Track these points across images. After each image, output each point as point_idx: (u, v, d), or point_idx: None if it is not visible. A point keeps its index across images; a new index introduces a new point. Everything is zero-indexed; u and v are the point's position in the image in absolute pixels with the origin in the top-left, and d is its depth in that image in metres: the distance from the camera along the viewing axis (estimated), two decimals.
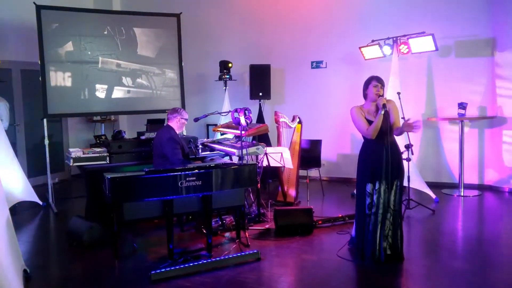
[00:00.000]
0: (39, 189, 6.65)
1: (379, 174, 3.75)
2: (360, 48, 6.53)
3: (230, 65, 7.29)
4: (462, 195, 6.17)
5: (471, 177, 6.58)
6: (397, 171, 3.81)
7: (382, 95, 3.82)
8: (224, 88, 7.44)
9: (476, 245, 4.35)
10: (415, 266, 3.83)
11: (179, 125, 4.79)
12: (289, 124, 5.93)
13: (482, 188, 6.53)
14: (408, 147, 5.37)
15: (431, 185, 6.20)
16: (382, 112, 3.69)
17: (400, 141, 5.69)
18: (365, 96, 3.92)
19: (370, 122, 3.80)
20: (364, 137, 3.91)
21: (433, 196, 5.94)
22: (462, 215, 5.46)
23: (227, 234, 4.74)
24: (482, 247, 4.30)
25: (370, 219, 3.78)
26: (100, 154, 5.32)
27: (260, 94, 7.38)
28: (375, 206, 3.77)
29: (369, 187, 3.79)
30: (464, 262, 3.92)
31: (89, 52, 6.50)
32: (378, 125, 3.73)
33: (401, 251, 3.86)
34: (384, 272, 3.68)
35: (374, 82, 3.82)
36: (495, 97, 6.42)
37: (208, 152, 5.61)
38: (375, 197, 3.76)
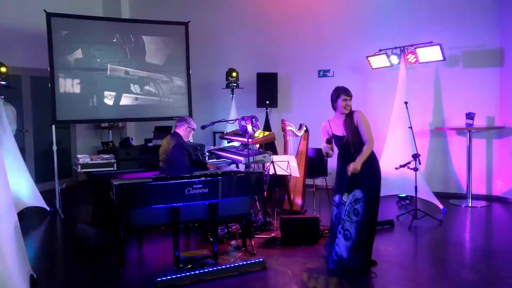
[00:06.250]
0: (47, 194, 6.68)
1: (343, 186, 3.87)
2: (367, 57, 6.54)
3: (234, 74, 7.30)
4: (470, 205, 6.12)
5: (479, 188, 6.53)
6: (357, 181, 3.78)
7: (351, 108, 3.90)
8: (231, 96, 7.45)
9: (483, 256, 4.31)
10: (422, 277, 3.80)
11: (186, 134, 4.81)
12: (296, 133, 5.93)
13: (490, 199, 6.47)
14: (415, 156, 5.36)
15: (438, 195, 6.17)
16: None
17: (408, 150, 5.74)
18: (334, 108, 3.96)
19: (335, 138, 3.90)
20: None
21: (441, 206, 5.89)
22: (470, 226, 5.42)
23: (233, 242, 4.73)
24: (490, 258, 4.27)
25: (336, 227, 3.91)
26: (108, 161, 5.35)
27: (267, 102, 7.40)
28: (338, 216, 3.89)
29: (336, 198, 3.94)
30: (471, 273, 3.88)
31: (98, 60, 6.56)
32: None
33: (369, 261, 3.89)
34: (391, 283, 3.66)
35: (343, 96, 3.88)
36: (503, 107, 6.39)
37: (215, 160, 5.62)
38: (341, 207, 3.88)
